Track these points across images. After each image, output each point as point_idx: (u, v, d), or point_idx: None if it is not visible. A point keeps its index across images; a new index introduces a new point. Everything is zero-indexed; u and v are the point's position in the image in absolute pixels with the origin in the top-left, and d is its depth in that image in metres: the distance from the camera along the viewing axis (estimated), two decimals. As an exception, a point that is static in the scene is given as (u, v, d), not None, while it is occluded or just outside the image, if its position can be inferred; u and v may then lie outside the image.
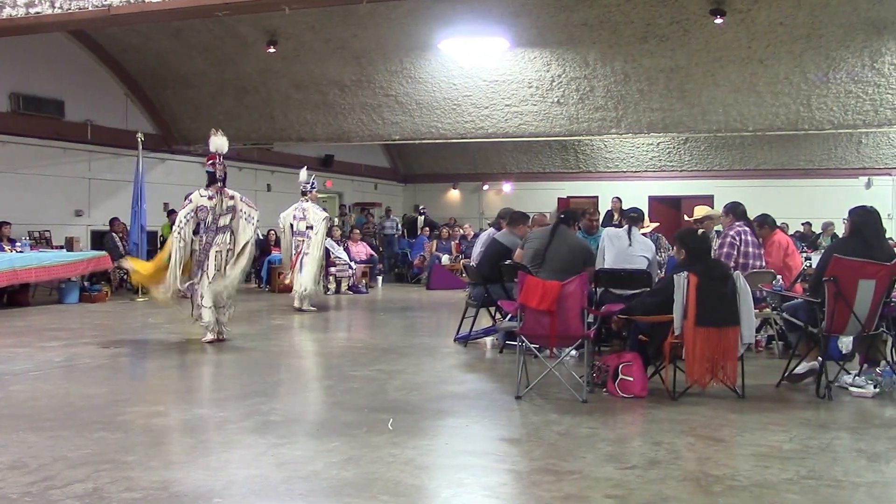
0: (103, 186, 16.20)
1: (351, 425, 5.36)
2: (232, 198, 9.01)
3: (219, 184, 8.99)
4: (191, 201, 8.94)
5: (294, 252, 12.64)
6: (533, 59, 14.22)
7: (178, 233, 8.83)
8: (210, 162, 9.10)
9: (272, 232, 17.92)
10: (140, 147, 14.37)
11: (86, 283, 13.69)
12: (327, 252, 14.15)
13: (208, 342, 8.77)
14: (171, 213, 14.45)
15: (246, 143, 18.03)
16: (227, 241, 8.90)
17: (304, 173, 13.05)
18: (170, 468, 4.43)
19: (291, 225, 12.74)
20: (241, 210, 9.00)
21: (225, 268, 8.86)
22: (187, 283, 8.88)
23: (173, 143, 17.46)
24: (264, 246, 17.54)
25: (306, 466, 4.46)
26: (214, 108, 17.02)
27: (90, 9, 9.22)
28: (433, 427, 5.51)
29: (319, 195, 14.82)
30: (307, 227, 12.59)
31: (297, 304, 12.41)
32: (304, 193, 12.90)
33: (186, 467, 4.48)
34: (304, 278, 12.34)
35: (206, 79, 16.42)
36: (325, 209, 13.70)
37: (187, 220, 8.85)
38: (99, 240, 15.31)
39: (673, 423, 5.51)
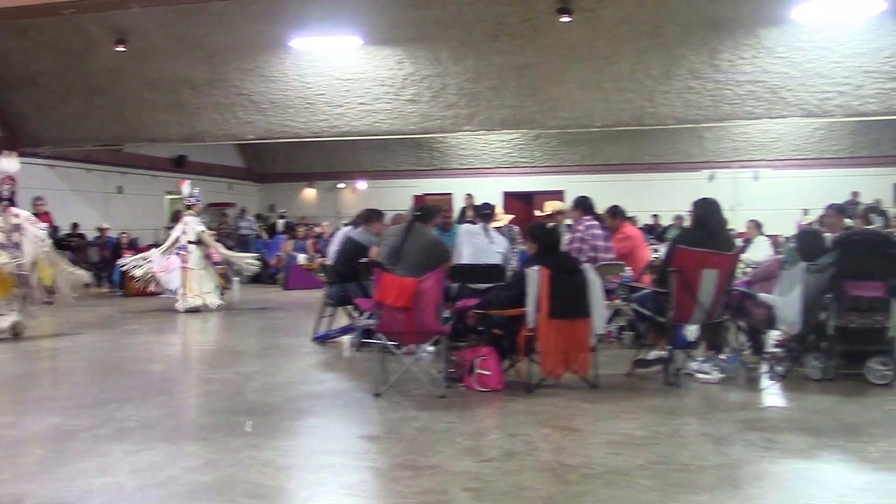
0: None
1: (208, 429, 5.32)
2: (17, 216, 9.69)
3: (4, 202, 9.60)
4: None
5: (180, 265, 12.54)
6: (385, 57, 14.19)
7: None
8: None
9: (125, 234, 17.76)
10: None
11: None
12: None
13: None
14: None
15: (95, 144, 17.52)
16: (19, 257, 9.55)
17: (186, 187, 13.18)
18: (21, 480, 4.30)
19: (178, 238, 12.76)
20: (25, 229, 9.65)
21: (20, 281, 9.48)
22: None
23: (20, 145, 16.54)
24: (115, 249, 17.02)
25: (163, 472, 4.41)
26: (63, 109, 16.44)
27: (-74, 5, 8.59)
28: (292, 427, 5.51)
29: (171, 196, 14.51)
30: (188, 242, 12.70)
31: (181, 306, 12.30)
32: (188, 207, 13.07)
33: (39, 479, 4.34)
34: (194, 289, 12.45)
35: (53, 78, 15.90)
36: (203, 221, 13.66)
37: None
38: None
39: (529, 415, 5.61)
